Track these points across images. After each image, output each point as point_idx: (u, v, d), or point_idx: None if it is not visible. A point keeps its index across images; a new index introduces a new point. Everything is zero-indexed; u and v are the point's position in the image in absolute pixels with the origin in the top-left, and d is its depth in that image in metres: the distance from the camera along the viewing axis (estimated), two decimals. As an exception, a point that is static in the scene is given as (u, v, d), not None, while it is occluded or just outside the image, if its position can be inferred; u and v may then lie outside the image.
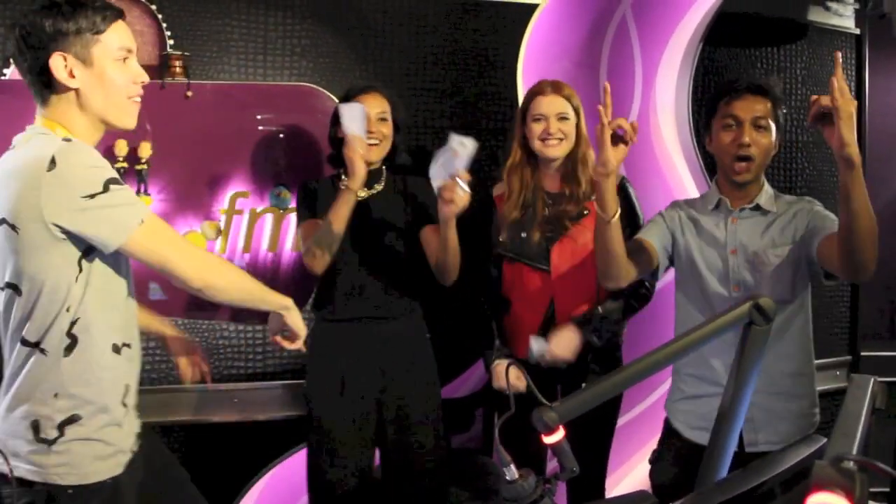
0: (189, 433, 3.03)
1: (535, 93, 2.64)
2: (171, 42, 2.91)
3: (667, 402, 2.45)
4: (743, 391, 1.41)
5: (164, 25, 2.90)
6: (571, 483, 2.59)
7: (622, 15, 3.28)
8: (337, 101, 2.98)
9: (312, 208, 2.70)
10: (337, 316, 2.69)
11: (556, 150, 2.60)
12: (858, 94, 3.88)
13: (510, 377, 2.40)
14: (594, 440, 2.58)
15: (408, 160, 2.80)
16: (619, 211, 2.16)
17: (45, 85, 1.71)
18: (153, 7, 2.90)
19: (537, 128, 2.59)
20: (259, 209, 2.99)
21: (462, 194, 2.34)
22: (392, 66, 3.17)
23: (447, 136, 2.35)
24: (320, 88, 3.02)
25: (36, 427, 1.68)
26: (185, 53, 2.90)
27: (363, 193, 2.66)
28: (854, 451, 0.92)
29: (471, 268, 2.67)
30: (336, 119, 2.67)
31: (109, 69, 1.72)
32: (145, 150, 2.82)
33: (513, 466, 1.34)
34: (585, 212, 2.61)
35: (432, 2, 3.20)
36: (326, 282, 2.68)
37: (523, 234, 2.64)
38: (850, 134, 1.90)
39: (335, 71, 3.11)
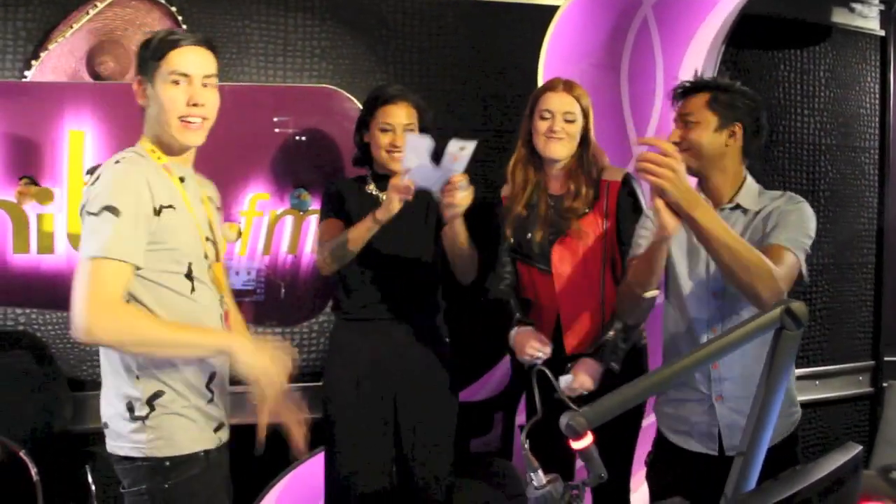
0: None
1: (545, 89, 2.62)
2: (191, 44, 2.91)
3: (654, 406, 2.44)
4: (773, 397, 1.38)
5: (185, 27, 2.90)
6: (596, 489, 2.56)
7: (643, 16, 3.26)
8: (357, 102, 2.99)
9: (335, 208, 2.69)
10: (355, 316, 2.68)
11: (558, 149, 2.55)
12: (882, 97, 3.85)
13: (529, 349, 2.38)
14: (618, 445, 2.55)
15: None
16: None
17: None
18: (173, 9, 2.90)
19: (543, 125, 2.56)
20: (279, 211, 2.98)
21: (462, 195, 2.36)
22: (412, 68, 3.16)
23: (448, 141, 2.34)
24: (340, 90, 3.01)
25: (130, 407, 1.88)
26: (206, 55, 2.89)
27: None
28: (899, 461, 0.90)
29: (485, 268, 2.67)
30: (362, 123, 2.67)
31: (161, 90, 1.91)
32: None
33: (540, 472, 1.32)
34: (586, 210, 2.57)
35: (452, 3, 3.19)
36: (346, 282, 2.68)
37: (528, 235, 2.62)
38: (669, 219, 1.95)
39: (355, 72, 3.10)
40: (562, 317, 2.59)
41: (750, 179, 2.28)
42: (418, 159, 2.34)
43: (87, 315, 1.75)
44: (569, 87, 2.59)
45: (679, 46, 3.31)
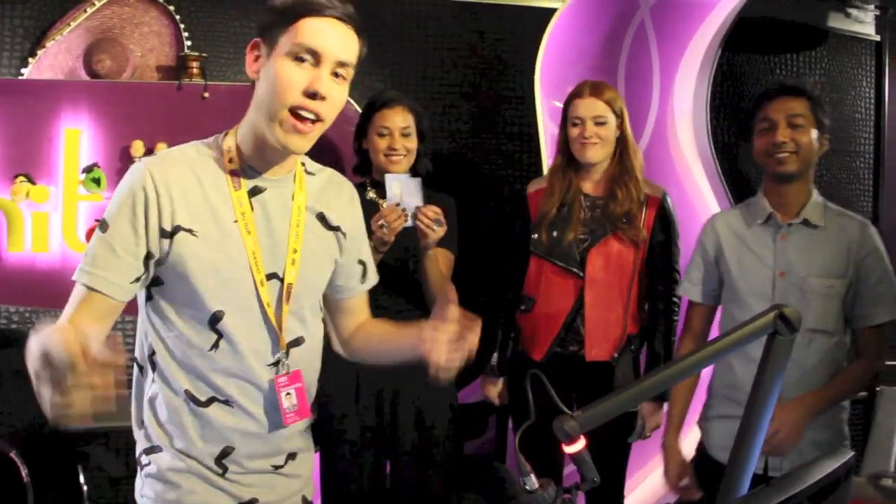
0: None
1: (573, 95, 2.60)
2: (188, 43, 2.92)
3: (700, 420, 2.40)
4: (765, 403, 1.38)
5: (182, 27, 2.91)
6: (589, 494, 2.57)
7: (640, 20, 3.26)
8: (353, 103, 2.98)
9: None
10: None
11: (592, 154, 2.55)
12: (877, 101, 3.86)
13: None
14: (611, 450, 2.55)
15: (429, 166, 2.78)
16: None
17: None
18: (171, 8, 2.90)
19: (574, 132, 2.56)
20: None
21: (437, 230, 2.36)
22: (408, 70, 3.17)
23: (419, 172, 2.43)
24: (337, 91, 3.01)
25: (137, 450, 1.59)
26: (203, 55, 2.90)
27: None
28: (890, 468, 0.90)
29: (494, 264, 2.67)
30: (361, 129, 2.68)
31: (278, 65, 1.42)
32: (161, 150, 2.81)
33: (533, 476, 1.32)
34: (630, 218, 2.56)
35: (449, 5, 3.20)
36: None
37: (555, 234, 2.60)
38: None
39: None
40: (587, 323, 2.56)
41: (816, 193, 2.26)
42: (397, 196, 2.38)
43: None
44: (596, 90, 2.58)
45: (676, 50, 3.32)
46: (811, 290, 2.17)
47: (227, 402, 1.52)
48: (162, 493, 1.54)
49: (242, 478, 1.57)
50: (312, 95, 1.41)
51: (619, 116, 2.57)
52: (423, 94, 3.09)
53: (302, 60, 1.41)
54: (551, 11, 3.14)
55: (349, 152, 2.80)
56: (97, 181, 2.72)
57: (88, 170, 2.74)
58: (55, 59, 2.81)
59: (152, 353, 1.52)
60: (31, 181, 2.73)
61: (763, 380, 1.38)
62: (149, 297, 1.51)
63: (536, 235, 2.62)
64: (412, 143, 2.65)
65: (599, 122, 2.54)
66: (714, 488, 2.29)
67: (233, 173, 1.50)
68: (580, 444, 1.31)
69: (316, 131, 1.46)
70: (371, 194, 2.68)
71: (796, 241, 2.21)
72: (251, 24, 3.00)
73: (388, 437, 2.66)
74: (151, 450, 1.55)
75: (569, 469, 2.72)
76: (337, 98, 1.45)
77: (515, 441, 1.35)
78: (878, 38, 3.83)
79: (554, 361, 2.58)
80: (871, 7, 3.75)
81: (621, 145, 2.59)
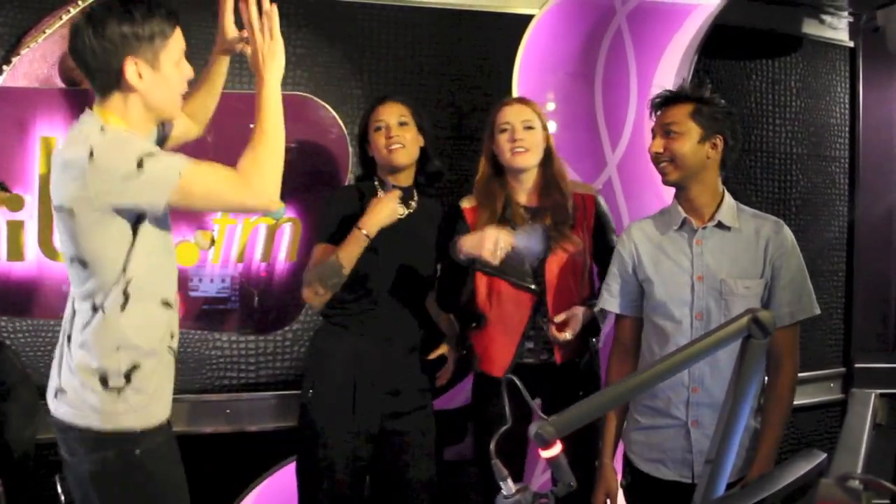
0: (180, 444, 2.98)
1: (501, 105, 2.62)
2: (164, 50, 2.89)
3: (623, 432, 2.42)
4: (741, 406, 1.39)
5: (159, 32, 2.88)
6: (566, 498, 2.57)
7: (617, 26, 3.28)
8: (331, 110, 2.99)
9: (333, 232, 2.60)
10: (354, 330, 2.62)
11: (524, 160, 2.54)
12: (852, 106, 3.90)
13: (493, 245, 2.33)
14: (585, 455, 2.52)
15: (440, 167, 2.78)
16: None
17: (110, 83, 1.84)
18: (147, 15, 2.88)
19: (503, 138, 2.55)
20: (253, 219, 2.96)
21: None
22: (386, 76, 3.16)
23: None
24: (315, 98, 3.00)
25: (104, 379, 1.86)
26: (182, 61, 2.87)
27: (401, 211, 2.62)
28: (858, 469, 0.91)
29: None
30: (363, 136, 2.70)
31: (171, 72, 1.88)
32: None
33: (510, 481, 1.32)
34: (570, 221, 2.58)
35: (428, 11, 3.19)
36: (348, 294, 2.61)
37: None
38: None
39: (330, 80, 3.10)
40: (554, 328, 2.53)
41: (728, 195, 2.29)
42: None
43: (241, 192, 1.90)
44: (523, 100, 2.63)
45: (653, 56, 3.34)
46: (729, 291, 2.21)
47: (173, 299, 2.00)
48: (144, 406, 1.92)
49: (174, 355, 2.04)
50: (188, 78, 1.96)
51: (545, 128, 2.60)
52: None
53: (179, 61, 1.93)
54: (529, 18, 3.15)
55: (320, 155, 2.81)
56: (73, 189, 2.69)
57: (64, 177, 2.71)
58: (30, 66, 2.79)
59: (128, 282, 1.88)
60: (6, 189, 2.70)
61: (739, 383, 1.39)
62: (134, 235, 1.88)
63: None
64: (411, 133, 2.64)
65: (528, 127, 2.55)
66: (649, 501, 2.32)
67: None
68: (556, 448, 1.32)
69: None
70: (381, 194, 2.66)
71: (711, 245, 2.24)
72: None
73: (370, 452, 2.65)
74: (133, 368, 1.91)
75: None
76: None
77: (491, 447, 1.35)
78: (851, 44, 3.87)
79: (517, 373, 2.56)
80: (845, 14, 3.79)
81: (547, 157, 2.60)
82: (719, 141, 2.23)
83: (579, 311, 2.49)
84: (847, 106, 3.90)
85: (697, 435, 2.22)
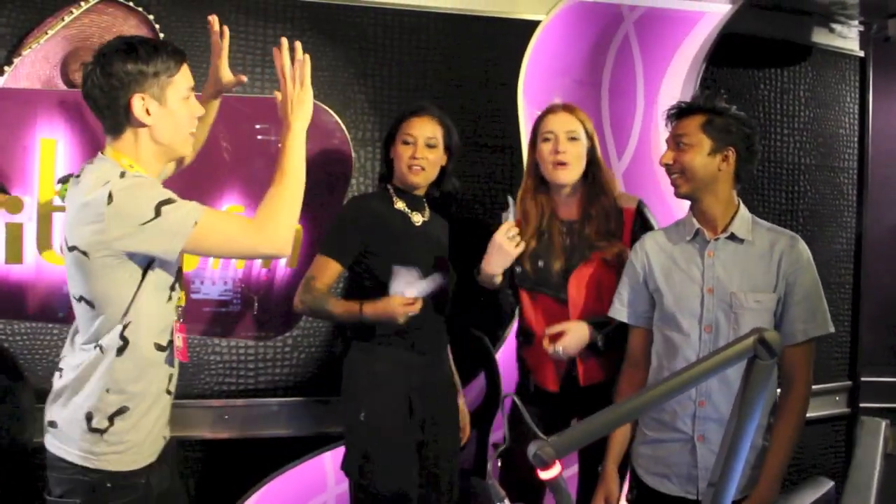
0: (178, 449, 2.97)
1: (545, 112, 2.57)
2: (168, 53, 2.87)
3: (632, 445, 2.39)
4: (746, 428, 1.36)
5: (162, 36, 2.86)
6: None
7: (625, 33, 3.25)
8: (334, 115, 2.96)
9: (341, 249, 2.58)
10: (397, 344, 2.58)
11: (566, 175, 2.49)
12: (861, 117, 3.86)
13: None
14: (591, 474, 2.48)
15: (456, 185, 2.76)
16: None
17: (120, 121, 1.90)
18: (150, 17, 2.86)
19: (546, 148, 2.49)
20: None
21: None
22: (391, 81, 3.13)
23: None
24: (318, 103, 2.96)
25: (89, 417, 1.89)
26: (183, 65, 2.85)
27: (417, 219, 2.63)
28: (871, 502, 0.88)
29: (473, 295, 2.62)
30: (389, 137, 2.67)
31: (178, 108, 1.92)
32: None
33: (507, 501, 1.29)
34: (609, 237, 2.50)
35: (433, 17, 3.16)
36: None
37: (541, 263, 2.53)
38: None
39: (333, 85, 3.07)
40: (545, 340, 2.47)
41: (743, 208, 2.26)
42: (401, 289, 2.45)
43: (253, 239, 1.93)
44: (569, 108, 2.55)
45: (660, 64, 3.31)
46: (739, 305, 2.17)
47: (172, 342, 2.03)
48: (124, 450, 1.92)
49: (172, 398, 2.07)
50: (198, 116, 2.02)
51: (591, 139, 2.53)
52: (405, 105, 3.06)
53: (188, 97, 1.97)
54: (535, 24, 3.12)
55: (323, 160, 2.82)
56: (72, 192, 2.68)
57: (64, 180, 2.69)
58: (32, 67, 2.77)
59: (126, 325, 1.90)
60: (5, 191, 2.68)
61: (743, 404, 1.35)
62: (142, 279, 1.92)
63: (520, 268, 2.56)
64: (436, 154, 2.62)
65: (572, 138, 2.49)
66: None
67: None
68: (556, 469, 1.29)
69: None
70: (400, 205, 2.63)
71: (723, 257, 2.21)
72: (232, 33, 2.94)
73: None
74: (119, 412, 1.92)
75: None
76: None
77: (489, 466, 1.32)
78: (861, 53, 3.84)
79: (568, 389, 2.53)
80: (855, 23, 3.76)
81: (593, 168, 2.54)
82: (731, 153, 2.20)
83: (573, 326, 2.42)
84: (856, 116, 3.86)
85: (703, 450, 2.19)
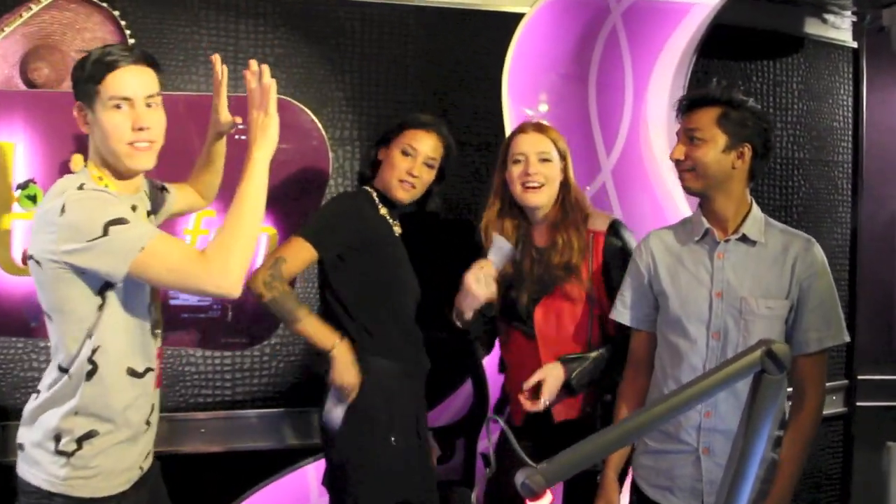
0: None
1: (515, 132, 2.45)
2: (134, 51, 2.76)
3: (633, 455, 2.28)
4: (754, 445, 1.25)
5: (128, 33, 2.75)
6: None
7: (612, 25, 3.16)
8: (310, 113, 2.85)
9: (330, 240, 2.45)
10: (391, 356, 2.51)
11: (537, 198, 2.37)
12: (855, 109, 3.81)
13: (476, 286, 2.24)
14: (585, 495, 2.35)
15: (437, 207, 2.69)
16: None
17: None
18: (116, 13, 2.74)
19: (516, 170, 2.37)
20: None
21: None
22: (370, 78, 3.04)
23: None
24: (293, 101, 2.86)
25: (57, 439, 1.84)
26: (150, 63, 2.74)
27: (396, 230, 2.56)
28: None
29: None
30: (384, 139, 2.57)
31: (106, 117, 1.83)
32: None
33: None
34: (574, 267, 2.36)
35: (413, 10, 3.07)
36: (394, 328, 2.53)
37: (512, 294, 2.42)
38: None
39: (310, 82, 2.97)
40: (522, 397, 2.32)
41: (756, 207, 2.13)
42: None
43: (200, 274, 1.80)
44: (540, 128, 2.43)
45: (649, 57, 3.22)
46: (749, 311, 2.04)
47: (150, 370, 1.99)
48: (92, 475, 1.88)
49: (153, 430, 2.07)
50: (139, 129, 1.84)
51: (563, 158, 2.41)
52: (383, 104, 3.00)
53: (119, 107, 1.82)
54: (519, 16, 3.02)
55: (298, 161, 2.75)
56: (33, 198, 2.57)
57: (24, 186, 2.58)
58: (-11, 67, 2.64)
59: (95, 349, 1.85)
60: (-37, 198, 2.56)
61: (751, 421, 1.24)
62: (102, 301, 1.86)
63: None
64: (431, 175, 2.53)
65: (544, 159, 2.37)
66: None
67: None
68: (546, 499, 1.18)
69: (154, 149, 1.90)
70: (383, 211, 2.54)
71: (734, 259, 2.08)
72: (201, 30, 2.85)
73: None
74: (87, 435, 1.87)
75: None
76: (158, 121, 1.89)
77: (473, 496, 1.22)
78: (855, 44, 3.78)
79: (531, 424, 2.40)
80: (849, 13, 3.70)
81: (564, 190, 2.41)
82: (747, 150, 2.06)
83: (548, 370, 2.28)
84: (850, 109, 3.82)
85: (709, 464, 2.07)
